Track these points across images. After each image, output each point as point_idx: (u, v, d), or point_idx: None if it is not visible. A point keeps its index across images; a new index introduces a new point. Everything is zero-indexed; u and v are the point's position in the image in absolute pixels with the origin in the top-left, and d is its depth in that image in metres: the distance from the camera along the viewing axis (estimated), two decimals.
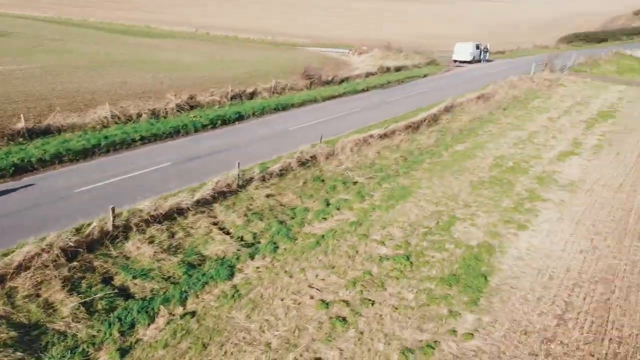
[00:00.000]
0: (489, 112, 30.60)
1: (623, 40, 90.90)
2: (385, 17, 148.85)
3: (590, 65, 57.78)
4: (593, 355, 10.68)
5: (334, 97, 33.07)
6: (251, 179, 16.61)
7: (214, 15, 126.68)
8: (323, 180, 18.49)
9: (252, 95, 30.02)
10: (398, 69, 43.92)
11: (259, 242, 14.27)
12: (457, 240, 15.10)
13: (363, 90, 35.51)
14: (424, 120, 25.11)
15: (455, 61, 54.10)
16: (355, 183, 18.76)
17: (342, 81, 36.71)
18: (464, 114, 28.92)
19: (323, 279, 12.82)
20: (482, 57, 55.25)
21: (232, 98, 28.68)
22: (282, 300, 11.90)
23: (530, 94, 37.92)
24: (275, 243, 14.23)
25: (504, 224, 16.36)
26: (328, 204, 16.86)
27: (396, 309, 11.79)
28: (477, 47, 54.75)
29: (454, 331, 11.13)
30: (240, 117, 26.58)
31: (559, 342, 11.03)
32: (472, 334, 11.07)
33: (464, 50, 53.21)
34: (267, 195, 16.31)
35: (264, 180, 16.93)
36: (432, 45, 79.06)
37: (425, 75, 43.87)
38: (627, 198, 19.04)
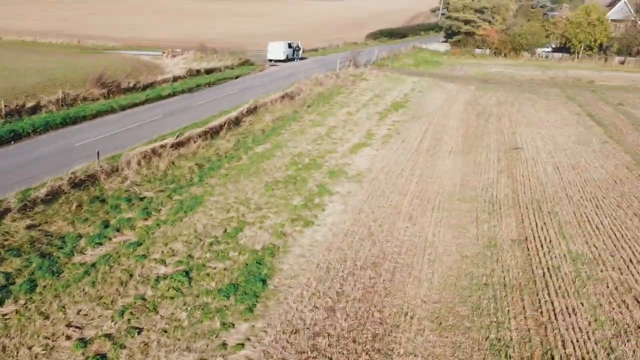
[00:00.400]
0: (294, 111, 31.55)
1: (421, 35, 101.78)
2: (207, 16, 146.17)
3: (392, 59, 63.45)
4: (355, 342, 11.32)
5: (135, 105, 31.09)
6: (7, 210, 14.55)
7: (8, 17, 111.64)
8: (104, 201, 17.05)
9: (34, 110, 26.73)
10: (210, 71, 43.09)
11: (13, 284, 12.50)
12: (243, 247, 15.02)
13: (169, 96, 34.03)
14: (225, 124, 24.81)
15: (270, 60, 55.07)
16: (142, 199, 17.67)
17: (146, 87, 34.72)
18: (268, 114, 29.37)
19: (86, 314, 11.66)
20: (295, 55, 57.13)
21: (7, 115, 25.19)
22: (30, 349, 10.49)
23: (334, 89, 40.13)
24: (33, 281, 12.59)
25: (291, 222, 16.76)
26: (107, 226, 15.55)
27: (166, 332, 11.19)
28: (290, 45, 56.44)
29: (225, 345, 10.91)
30: (17, 136, 23.44)
31: (326, 334, 11.49)
32: (242, 344, 10.96)
33: (277, 49, 54.41)
34: (29, 227, 14.43)
35: (25, 209, 14.96)
36: (251, 45, 79.62)
37: (237, 76, 43.78)
38: (404, 183, 20.96)
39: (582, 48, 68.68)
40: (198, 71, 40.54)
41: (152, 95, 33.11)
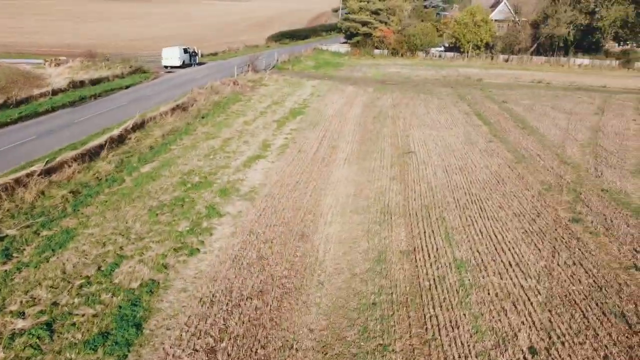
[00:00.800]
0: (187, 123, 30.08)
1: (323, 36, 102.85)
2: (103, 18, 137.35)
3: (293, 62, 63.28)
4: None
5: (6, 124, 27.99)
6: None
7: None
8: None
9: None
10: (96, 82, 40.01)
11: None
12: (118, 286, 13.72)
13: (47, 112, 31.04)
14: (106, 143, 22.93)
15: (165, 67, 52.58)
16: (2, 238, 15.67)
17: (20, 103, 31.45)
18: (158, 129, 27.70)
19: None
20: (192, 60, 55.03)
21: None
22: None
23: (232, 97, 39.00)
24: None
25: (175, 252, 15.66)
26: None
27: None
28: (186, 50, 54.25)
29: None
30: None
31: None
32: None
33: (172, 55, 52.05)
34: None
35: None
36: (149, 49, 75.95)
37: (128, 86, 41.12)
38: (298, 197, 20.53)
39: (471, 47, 72.82)
40: (82, 82, 37.44)
41: (28, 112, 30.03)
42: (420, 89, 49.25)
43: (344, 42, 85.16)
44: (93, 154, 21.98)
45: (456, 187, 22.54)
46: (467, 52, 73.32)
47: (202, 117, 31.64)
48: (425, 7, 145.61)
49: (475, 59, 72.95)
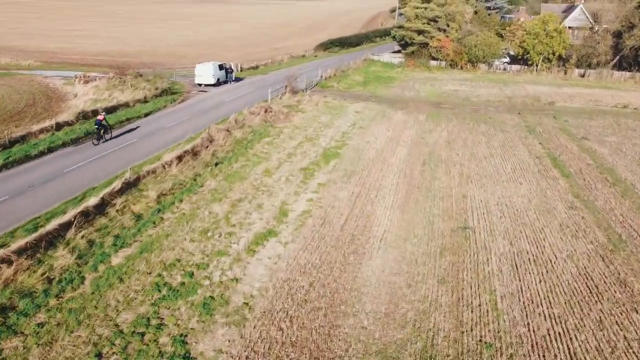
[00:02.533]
0: (194, 175, 24.84)
1: (376, 42, 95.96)
2: (158, 19, 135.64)
3: (339, 77, 57.22)
4: None
5: None
6: None
7: None
8: None
9: None
10: (112, 109, 35.65)
11: None
12: None
13: (41, 154, 26.72)
14: (75, 220, 17.94)
15: (199, 85, 48.01)
16: None
17: (14, 142, 27.33)
18: (155, 186, 22.56)
19: None
20: (228, 77, 50.14)
21: None
22: None
23: (259, 131, 33.55)
24: None
25: None
26: None
27: None
28: (221, 67, 49.42)
29: None
30: None
31: None
32: None
33: (205, 73, 47.36)
34: None
35: None
36: (189, 56, 72.00)
37: (148, 114, 36.56)
38: (307, 319, 14.67)
39: (541, 60, 64.00)
40: (95, 112, 33.06)
41: (19, 155, 25.81)
42: (481, 116, 41.97)
43: (397, 52, 78.12)
44: (53, 238, 17.04)
45: (531, 302, 15.96)
46: (537, 65, 64.52)
47: (216, 164, 26.32)
48: (488, 8, 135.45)
49: (546, 73, 64.04)
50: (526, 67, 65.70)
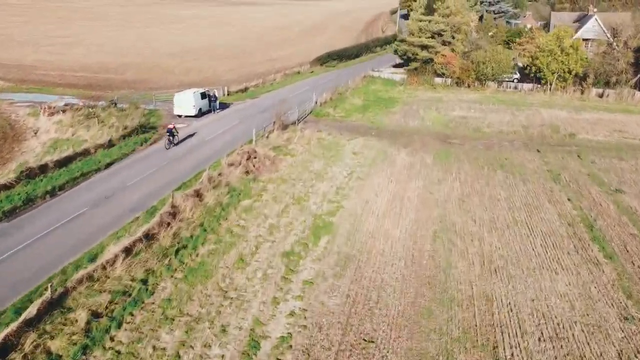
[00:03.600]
0: (146, 273, 19.27)
1: (376, 52, 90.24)
2: (148, 23, 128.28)
3: (336, 101, 51.60)
4: None
5: None
6: None
7: None
8: None
9: None
10: (67, 161, 29.76)
11: None
12: None
13: None
14: None
15: (178, 116, 42.45)
16: None
17: None
18: (86, 301, 16.94)
19: None
20: (212, 106, 44.47)
21: None
22: None
23: (239, 189, 28.01)
24: None
25: None
26: None
27: None
28: (204, 95, 43.73)
29: None
30: None
31: None
32: None
33: (185, 103, 41.73)
34: None
35: None
36: (176, 69, 66.08)
37: (110, 164, 30.78)
38: None
39: (555, 78, 58.35)
40: (45, 167, 27.37)
41: None
42: (496, 157, 36.45)
43: (398, 65, 72.47)
44: None
45: None
46: (550, 84, 58.87)
47: (177, 252, 20.79)
48: (493, 12, 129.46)
49: (561, 92, 58.37)
50: (539, 85, 60.02)
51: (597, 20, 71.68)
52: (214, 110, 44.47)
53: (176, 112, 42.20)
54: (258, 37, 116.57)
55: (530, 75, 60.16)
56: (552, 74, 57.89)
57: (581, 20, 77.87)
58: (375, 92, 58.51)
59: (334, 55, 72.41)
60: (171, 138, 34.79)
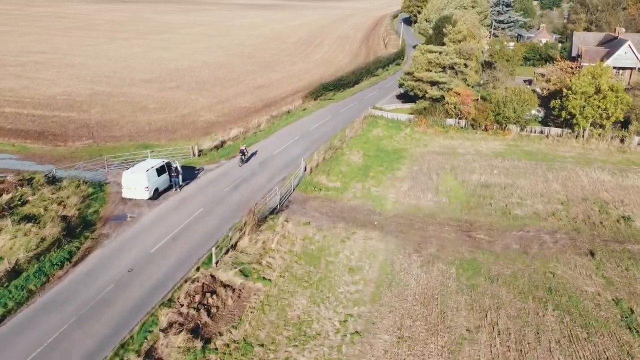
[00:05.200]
0: None
1: (378, 75, 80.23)
2: (128, 37, 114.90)
3: (330, 162, 41.89)
4: None
5: None
6: None
7: None
8: None
9: None
10: None
11: None
12: None
13: None
14: None
15: (130, 199, 32.80)
16: None
17: None
18: None
19: None
20: (173, 181, 34.74)
21: None
22: None
23: None
24: None
25: None
26: None
27: None
28: (163, 169, 33.98)
29: None
30: None
31: None
32: None
33: (136, 183, 32.00)
34: None
35: None
36: (154, 110, 54.55)
37: (6, 314, 21.49)
38: None
39: (589, 124, 48.62)
40: None
41: None
42: (540, 271, 26.86)
43: (402, 95, 62.70)
44: None
45: None
46: (584, 129, 49.14)
47: None
48: (501, 22, 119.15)
49: (596, 141, 48.66)
50: (569, 130, 50.25)
51: (630, 46, 61.76)
52: (175, 187, 34.78)
53: (125, 194, 32.57)
54: (250, 52, 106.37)
55: (561, 117, 50.32)
56: (586, 119, 48.12)
57: (609, 44, 67.89)
58: (377, 140, 48.79)
59: (330, 85, 62.47)
60: (243, 157, 39.27)
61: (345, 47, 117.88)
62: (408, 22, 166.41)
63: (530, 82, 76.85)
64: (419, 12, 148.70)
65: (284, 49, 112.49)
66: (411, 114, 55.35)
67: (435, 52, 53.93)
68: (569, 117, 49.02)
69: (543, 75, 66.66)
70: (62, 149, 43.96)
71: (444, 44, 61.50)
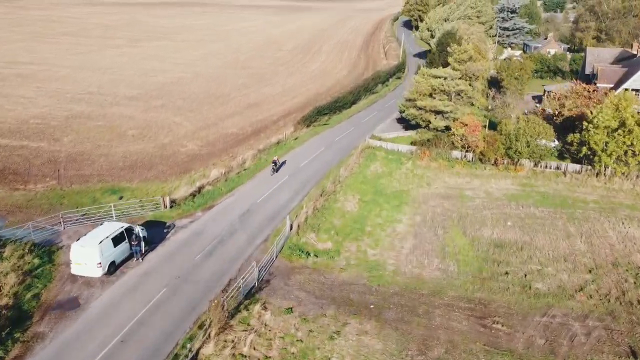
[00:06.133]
0: None
1: (378, 92, 74.30)
2: (120, 44, 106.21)
3: (321, 213, 36.20)
4: None
5: None
6: None
7: None
8: None
9: None
10: None
11: None
12: None
13: None
14: None
15: (81, 276, 27.18)
16: None
17: None
18: None
19: None
20: (134, 249, 29.01)
21: None
22: None
23: None
24: None
25: None
26: None
27: None
28: (122, 236, 28.29)
29: None
30: None
31: None
32: None
33: (87, 258, 26.36)
34: None
35: None
36: (132, 139, 46.82)
37: None
38: None
39: (613, 161, 42.82)
40: None
41: None
42: None
43: (402, 121, 56.90)
44: None
45: None
46: (606, 167, 43.38)
47: None
48: (506, 29, 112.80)
49: (620, 180, 42.91)
50: (589, 167, 44.46)
51: None
52: (136, 256, 29.12)
53: (74, 271, 26.97)
54: (245, 60, 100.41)
55: (580, 153, 44.51)
56: (609, 155, 42.35)
57: (627, 62, 61.91)
58: (375, 178, 43.12)
59: (325, 109, 56.70)
60: (275, 167, 42.07)
61: (343, 55, 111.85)
62: (409, 25, 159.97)
63: (539, 99, 70.98)
64: (420, 17, 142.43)
65: (280, 57, 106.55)
66: (412, 143, 49.60)
67: (439, 78, 48.04)
68: (589, 153, 43.23)
69: (554, 93, 60.79)
70: (20, 194, 38.34)
71: (447, 64, 55.74)
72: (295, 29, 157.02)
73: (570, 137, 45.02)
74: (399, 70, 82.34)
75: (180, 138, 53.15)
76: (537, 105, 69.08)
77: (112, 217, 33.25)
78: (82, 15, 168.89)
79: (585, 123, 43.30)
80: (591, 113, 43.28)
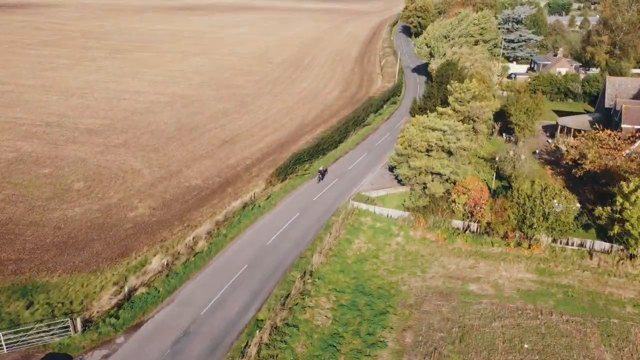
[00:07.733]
0: None
1: (370, 125, 64.98)
2: (97, 57, 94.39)
3: (279, 337, 27.19)
4: None
5: None
6: None
7: None
8: None
9: None
10: None
11: None
12: None
13: None
14: None
15: None
16: None
17: None
18: None
19: None
20: None
21: None
22: None
23: None
24: None
25: None
26: None
27: None
28: None
29: None
30: None
31: None
32: None
33: None
34: None
35: None
36: (78, 217, 35.64)
37: None
38: None
39: None
40: None
41: None
42: None
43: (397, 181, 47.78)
44: None
45: None
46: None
47: None
48: (511, 41, 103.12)
49: None
50: (622, 247, 35.42)
51: None
52: None
53: None
54: (228, 78, 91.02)
55: (612, 232, 35.38)
56: None
57: None
58: (358, 263, 34.23)
59: (305, 155, 47.58)
60: (321, 176, 44.89)
61: (337, 70, 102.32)
62: (407, 31, 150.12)
63: (552, 133, 61.70)
64: (420, 24, 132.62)
65: (268, 74, 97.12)
66: (406, 208, 40.57)
67: (437, 131, 38.79)
68: (623, 231, 34.15)
69: (569, 140, 51.56)
70: None
71: (447, 99, 46.65)
72: (289, 36, 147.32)
73: (598, 211, 35.84)
74: (394, 94, 73.01)
75: (132, 195, 44.17)
76: (549, 141, 59.88)
77: (3, 348, 24.45)
78: (67, 21, 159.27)
79: (618, 198, 34.09)
80: (626, 186, 34.06)
